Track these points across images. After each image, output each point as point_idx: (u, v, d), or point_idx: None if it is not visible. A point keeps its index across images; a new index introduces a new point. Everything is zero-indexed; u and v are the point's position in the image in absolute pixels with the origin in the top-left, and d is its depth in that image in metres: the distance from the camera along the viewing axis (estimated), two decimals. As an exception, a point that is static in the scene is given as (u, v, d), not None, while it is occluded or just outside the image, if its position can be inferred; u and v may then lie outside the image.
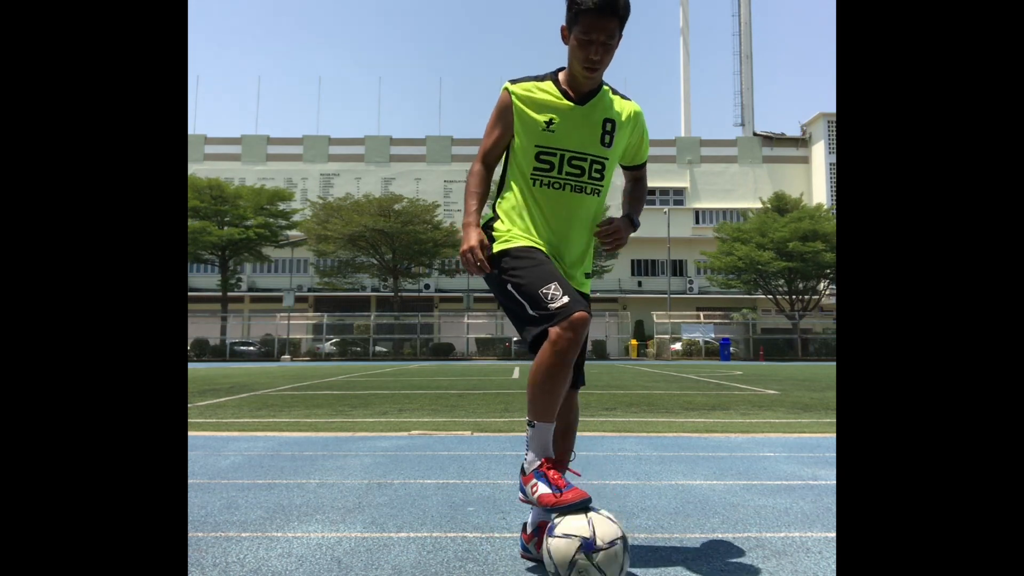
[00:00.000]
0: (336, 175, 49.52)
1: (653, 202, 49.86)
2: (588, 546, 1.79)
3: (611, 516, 1.89)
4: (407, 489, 3.23)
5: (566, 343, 1.96)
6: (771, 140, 51.71)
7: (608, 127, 2.17)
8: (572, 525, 1.83)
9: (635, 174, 2.38)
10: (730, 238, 39.09)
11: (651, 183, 49.78)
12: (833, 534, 2.44)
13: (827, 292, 39.72)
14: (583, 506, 1.89)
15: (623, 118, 2.20)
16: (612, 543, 1.81)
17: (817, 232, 36.27)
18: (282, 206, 40.21)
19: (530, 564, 2.13)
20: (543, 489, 1.94)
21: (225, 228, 37.55)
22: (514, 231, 2.17)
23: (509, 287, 2.11)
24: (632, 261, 48.98)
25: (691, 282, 48.19)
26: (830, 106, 48.91)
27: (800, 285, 39.00)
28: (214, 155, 49.28)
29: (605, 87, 2.21)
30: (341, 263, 40.48)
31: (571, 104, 2.14)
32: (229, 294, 40.10)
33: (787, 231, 36.64)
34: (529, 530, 2.17)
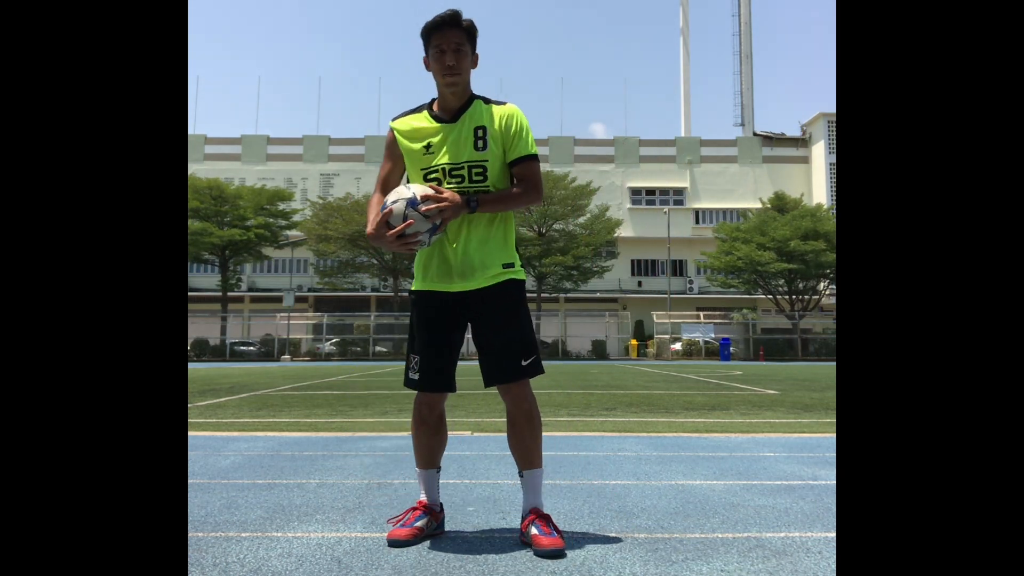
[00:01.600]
0: (336, 175, 49.51)
1: (653, 202, 49.86)
2: (412, 203, 2.24)
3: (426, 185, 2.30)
4: (407, 489, 3.23)
5: (414, 411, 2.49)
6: (771, 140, 51.71)
7: (480, 133, 2.35)
8: (398, 191, 2.29)
9: (517, 170, 2.39)
10: (730, 238, 39.08)
11: (651, 183, 49.88)
12: (833, 534, 2.44)
13: (827, 292, 39.71)
14: (393, 544, 2.32)
15: (494, 121, 2.37)
16: (426, 199, 2.23)
17: (818, 231, 36.26)
18: (282, 206, 40.20)
19: (530, 564, 2.14)
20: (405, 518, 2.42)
21: (225, 229, 37.54)
22: (418, 264, 2.48)
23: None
24: (632, 261, 48.97)
25: (691, 282, 48.18)
26: (830, 106, 48.91)
27: (800, 285, 38.99)
28: (214, 155, 49.28)
29: (478, 99, 2.41)
30: (341, 263, 40.48)
31: (441, 124, 2.37)
32: (229, 294, 40.09)
33: (788, 229, 36.61)
34: (523, 519, 2.37)
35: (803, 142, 51.32)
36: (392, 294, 40.75)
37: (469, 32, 2.34)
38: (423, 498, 2.47)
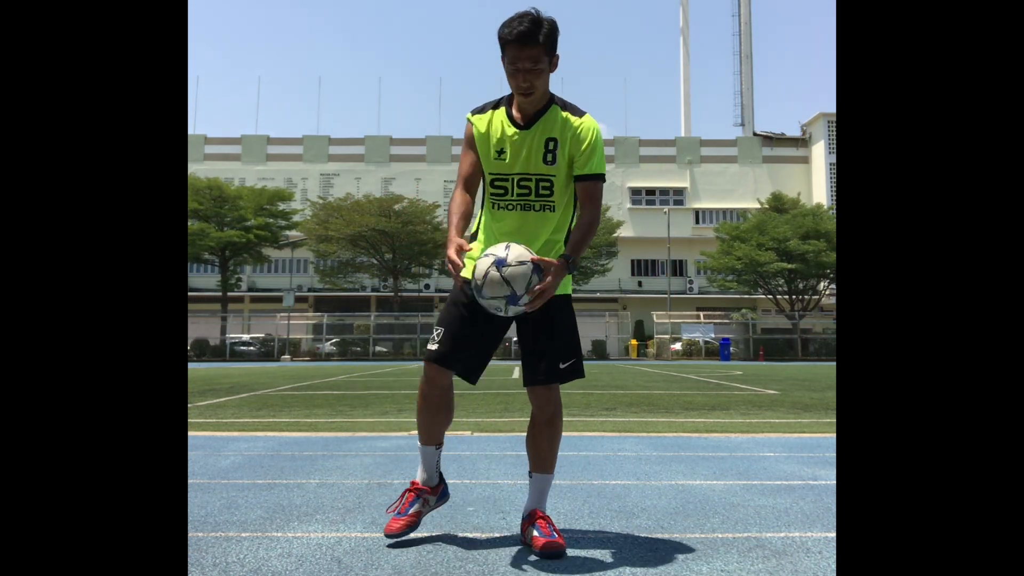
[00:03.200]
0: (336, 175, 49.50)
1: (653, 202, 49.86)
2: (499, 263, 2.12)
3: (528, 248, 2.18)
4: (407, 489, 3.23)
5: (422, 381, 2.43)
6: (771, 140, 51.70)
7: (551, 146, 2.30)
8: (492, 249, 2.17)
9: (581, 187, 2.31)
10: (730, 237, 39.07)
11: (651, 183, 49.87)
12: (833, 534, 2.44)
13: (827, 292, 39.70)
14: (390, 537, 2.34)
15: (566, 134, 2.29)
16: (522, 263, 2.12)
17: (819, 231, 36.23)
18: (282, 206, 40.19)
19: (530, 564, 2.14)
20: (399, 505, 2.41)
21: (225, 229, 37.53)
22: (474, 258, 2.37)
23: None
24: (632, 261, 48.96)
25: (691, 282, 48.17)
26: (830, 106, 48.90)
27: (800, 285, 38.98)
28: (214, 155, 49.27)
29: (555, 105, 2.32)
30: (341, 263, 40.48)
31: (516, 130, 2.30)
32: (229, 294, 40.09)
33: (788, 228, 36.59)
34: (523, 518, 2.36)
35: (803, 142, 51.31)
36: (392, 294, 40.76)
37: (547, 43, 2.19)
38: (417, 477, 2.47)
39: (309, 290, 45.17)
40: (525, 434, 2.46)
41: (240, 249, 38.29)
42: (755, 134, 52.62)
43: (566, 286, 2.37)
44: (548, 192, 2.31)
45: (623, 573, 2.05)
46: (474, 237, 2.45)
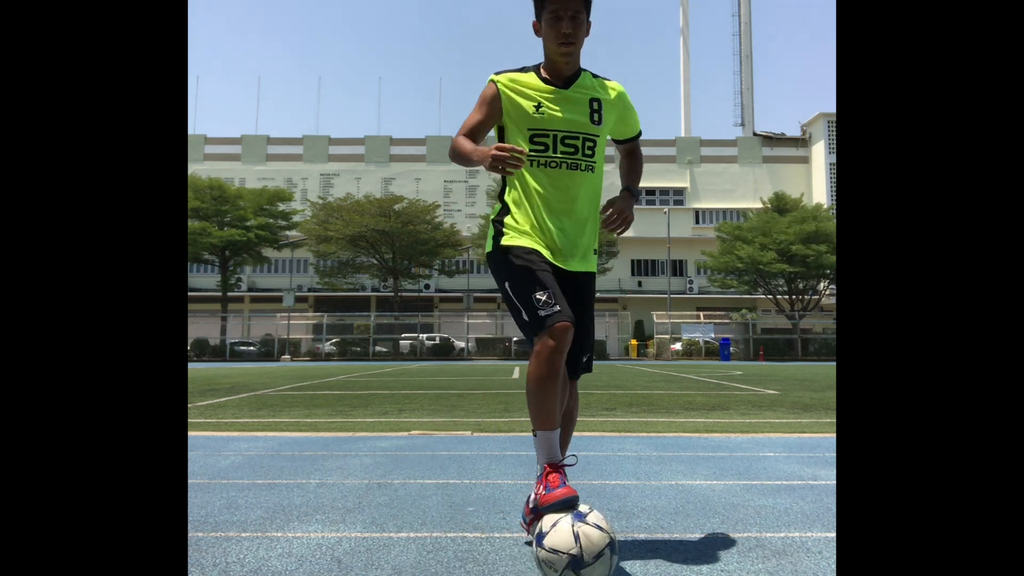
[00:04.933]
0: (336, 175, 49.52)
1: (653, 202, 49.87)
2: (575, 564, 1.81)
3: (600, 522, 1.88)
4: (407, 489, 3.23)
5: (548, 352, 2.03)
6: (771, 140, 51.71)
7: (595, 106, 2.27)
8: (560, 540, 1.84)
9: (628, 147, 2.46)
10: (731, 237, 39.06)
11: (651, 183, 49.88)
12: (833, 534, 2.44)
13: (827, 292, 39.70)
14: (570, 503, 1.91)
15: (611, 97, 2.30)
16: (600, 554, 1.82)
17: (819, 234, 36.21)
18: (282, 206, 40.20)
19: (530, 564, 2.13)
20: (542, 491, 1.98)
21: (225, 229, 37.54)
22: (520, 228, 2.22)
23: (508, 288, 2.20)
24: (632, 261, 48.98)
25: (691, 282, 48.18)
26: (830, 106, 48.90)
27: (800, 285, 38.98)
28: (214, 155, 49.28)
29: (585, 71, 2.30)
30: (341, 263, 40.49)
31: (555, 88, 2.24)
32: (229, 294, 40.09)
33: (791, 232, 36.57)
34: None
35: (803, 142, 51.32)
36: (392, 294, 40.76)
37: (587, 2, 2.19)
38: (557, 459, 2.05)
39: (309, 290, 45.17)
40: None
41: (240, 249, 38.30)
42: (755, 134, 52.62)
43: (593, 264, 2.36)
44: (591, 152, 2.25)
45: (623, 573, 2.04)
46: (504, 212, 2.27)
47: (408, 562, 2.14)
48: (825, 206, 40.97)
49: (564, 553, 1.83)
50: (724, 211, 49.89)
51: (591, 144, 2.25)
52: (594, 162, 2.27)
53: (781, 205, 40.94)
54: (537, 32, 2.25)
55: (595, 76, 2.32)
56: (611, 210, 2.32)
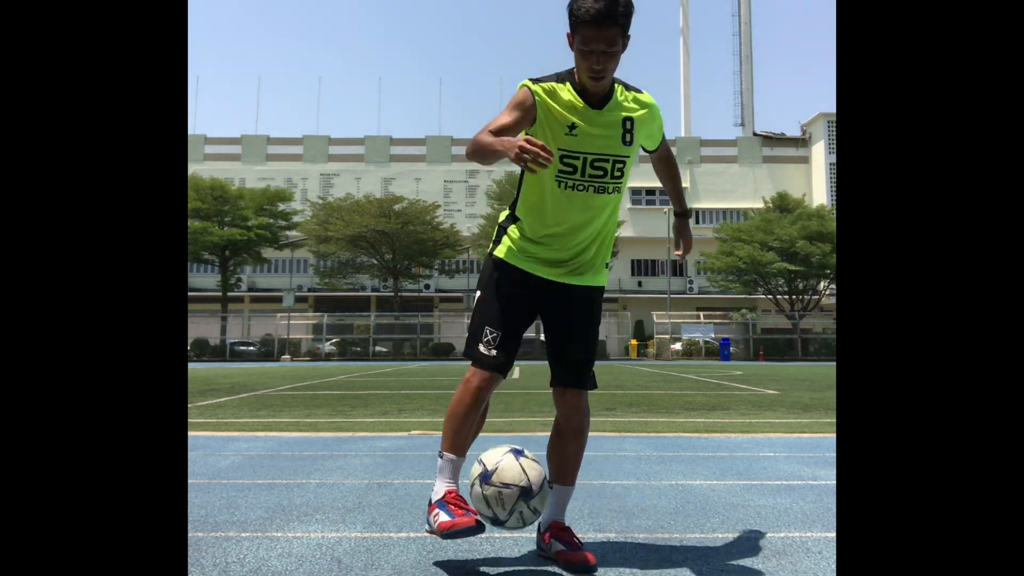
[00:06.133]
0: (336, 175, 49.51)
1: (653, 202, 49.85)
2: (526, 495, 2.03)
3: (534, 457, 2.12)
4: (407, 489, 3.23)
5: (472, 387, 2.14)
6: (771, 140, 51.70)
7: (628, 125, 2.16)
8: (510, 475, 2.04)
9: (659, 153, 2.42)
10: (731, 238, 39.06)
11: (651, 183, 49.81)
12: (833, 534, 2.44)
13: (827, 292, 39.69)
14: (473, 531, 1.98)
15: (642, 115, 2.19)
16: (542, 485, 2.07)
17: (823, 233, 36.19)
18: (282, 206, 40.20)
19: (530, 564, 2.13)
20: (443, 517, 2.00)
21: (225, 228, 37.55)
22: (520, 244, 2.23)
23: (476, 299, 2.29)
24: (632, 261, 48.98)
25: (691, 282, 48.17)
26: (830, 106, 48.89)
27: (800, 285, 38.97)
28: (214, 155, 49.27)
29: (617, 85, 2.18)
30: (341, 263, 40.48)
31: (590, 108, 2.13)
32: (229, 294, 40.09)
33: (794, 230, 36.55)
34: (542, 530, 2.21)
35: (803, 142, 51.32)
36: (392, 294, 40.76)
37: (625, 21, 2.01)
38: (451, 488, 2.09)
39: (309, 290, 45.16)
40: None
41: (240, 249, 38.31)
42: (755, 134, 52.62)
43: (603, 277, 2.33)
44: (620, 173, 2.18)
45: (623, 573, 2.04)
46: (511, 220, 2.28)
47: (408, 562, 2.14)
48: (827, 206, 40.94)
49: (515, 486, 2.01)
50: (724, 211, 49.88)
51: (620, 165, 2.17)
52: (620, 183, 2.20)
53: (784, 205, 40.94)
54: (571, 45, 2.10)
55: (628, 88, 2.21)
56: (682, 246, 2.54)
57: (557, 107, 2.12)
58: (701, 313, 41.68)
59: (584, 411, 2.25)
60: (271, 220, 39.33)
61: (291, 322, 37.10)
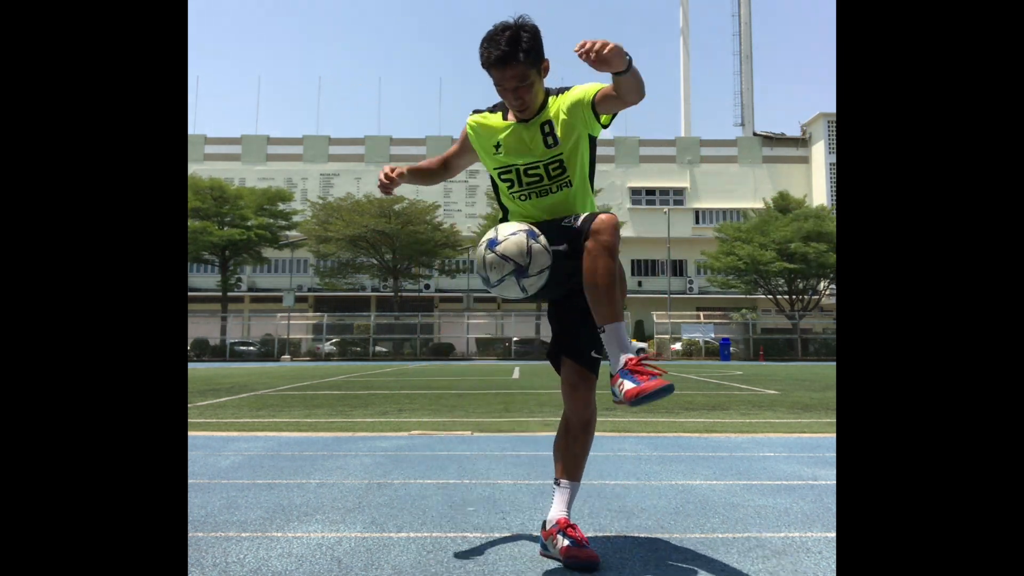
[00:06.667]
0: (336, 175, 49.50)
1: (653, 202, 49.85)
2: (520, 273, 2.10)
3: (547, 245, 2.15)
4: (407, 489, 3.23)
5: (611, 255, 2.08)
6: (771, 140, 51.69)
7: (547, 128, 2.24)
8: (512, 249, 2.11)
9: (602, 94, 2.14)
10: (731, 238, 39.05)
11: (651, 183, 49.89)
12: (833, 534, 2.44)
13: (827, 292, 39.69)
14: (666, 392, 1.90)
15: (555, 110, 2.23)
16: (541, 271, 2.12)
17: (821, 233, 36.19)
18: (282, 206, 40.20)
19: (530, 564, 2.13)
20: (628, 385, 1.94)
21: (225, 228, 37.55)
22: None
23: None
24: (632, 261, 48.94)
25: (691, 282, 48.17)
26: (830, 106, 48.87)
27: (800, 285, 38.97)
28: (214, 155, 49.27)
29: (550, 98, 2.25)
30: (341, 264, 40.48)
31: (514, 123, 2.26)
32: (229, 294, 40.09)
33: (790, 230, 36.58)
34: (548, 527, 2.19)
35: (803, 142, 51.30)
36: (392, 294, 40.76)
37: (530, 56, 2.09)
38: (631, 350, 2.07)
39: (309, 290, 45.16)
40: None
41: (240, 249, 38.31)
42: (755, 134, 52.61)
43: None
44: (560, 171, 2.25)
45: (623, 573, 2.05)
46: (503, 219, 2.42)
47: (408, 562, 2.14)
48: (827, 206, 40.93)
49: (512, 261, 2.11)
50: (724, 211, 49.87)
51: (555, 165, 2.24)
52: (566, 178, 2.26)
53: (784, 205, 40.93)
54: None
55: (557, 94, 2.25)
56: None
57: (485, 134, 2.32)
58: (701, 313, 41.68)
59: (591, 406, 2.27)
60: (271, 220, 39.32)
61: (291, 322, 37.09)
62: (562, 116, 2.23)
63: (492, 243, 2.15)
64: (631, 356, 2.01)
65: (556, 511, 2.20)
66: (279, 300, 39.00)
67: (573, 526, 2.16)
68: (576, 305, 2.22)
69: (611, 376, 2.05)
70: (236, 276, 42.64)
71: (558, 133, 2.23)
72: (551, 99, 2.26)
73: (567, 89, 2.27)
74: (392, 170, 2.35)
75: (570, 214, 2.25)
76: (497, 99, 2.32)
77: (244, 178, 47.37)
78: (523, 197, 2.30)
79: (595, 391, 2.26)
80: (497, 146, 2.29)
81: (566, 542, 2.10)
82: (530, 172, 2.26)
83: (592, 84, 2.22)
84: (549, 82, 2.28)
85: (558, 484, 2.25)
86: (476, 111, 2.39)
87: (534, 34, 2.11)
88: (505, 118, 2.30)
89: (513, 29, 2.09)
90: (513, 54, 2.06)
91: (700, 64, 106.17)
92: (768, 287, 39.27)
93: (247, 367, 24.10)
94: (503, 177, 2.32)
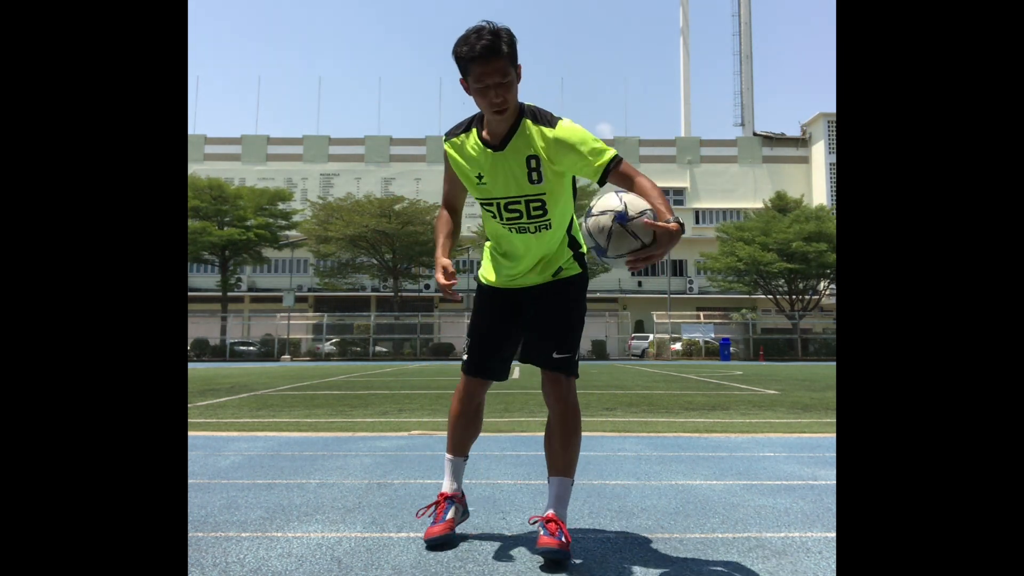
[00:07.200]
0: (336, 175, 49.51)
1: (653, 202, 49.83)
2: (621, 217, 2.04)
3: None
4: (407, 489, 3.23)
5: (457, 392, 2.50)
6: (771, 140, 51.70)
7: (533, 164, 2.19)
8: (606, 203, 2.08)
9: (613, 180, 2.15)
10: (732, 238, 39.04)
11: (651, 183, 49.82)
12: (833, 534, 2.44)
13: (827, 292, 39.69)
14: (438, 544, 2.30)
15: (545, 150, 2.16)
16: (643, 212, 2.04)
17: (822, 233, 36.20)
18: (282, 206, 40.20)
19: (530, 564, 2.13)
20: (428, 522, 2.39)
21: (225, 228, 37.55)
22: (486, 262, 2.53)
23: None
24: (632, 261, 48.91)
25: (691, 282, 48.18)
26: (830, 106, 48.88)
27: (800, 285, 38.97)
28: (214, 155, 49.28)
29: (525, 120, 2.18)
30: (341, 264, 40.48)
31: (491, 152, 2.21)
32: (229, 294, 40.09)
33: (791, 232, 36.58)
34: (532, 519, 2.35)
35: (803, 142, 51.31)
36: (392, 294, 40.76)
37: (511, 53, 2.09)
38: (445, 489, 2.46)
39: (309, 290, 45.17)
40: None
41: (240, 249, 38.31)
42: (755, 134, 52.61)
43: (574, 269, 2.42)
44: (541, 211, 2.24)
45: (623, 573, 2.05)
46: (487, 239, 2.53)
47: (408, 562, 2.14)
48: (827, 206, 40.91)
49: (610, 211, 2.06)
50: (724, 211, 49.89)
51: (537, 204, 2.23)
52: (546, 220, 2.27)
53: (782, 205, 40.93)
54: (467, 90, 2.15)
55: (536, 122, 2.17)
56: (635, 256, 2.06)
57: (464, 162, 2.29)
58: (701, 313, 41.68)
59: (567, 400, 2.29)
60: (271, 220, 39.32)
61: (291, 322, 37.10)
62: (554, 162, 2.17)
63: (622, 217, 2.04)
64: (442, 492, 2.45)
65: (546, 506, 2.25)
66: (279, 300, 39.00)
67: (554, 520, 2.16)
68: (537, 314, 2.37)
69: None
70: (236, 276, 42.63)
71: (544, 172, 2.19)
72: (530, 126, 2.17)
73: (552, 125, 2.16)
74: (445, 272, 2.28)
75: (546, 251, 2.34)
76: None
77: (244, 178, 47.37)
78: (503, 228, 2.35)
79: (567, 387, 2.30)
80: (480, 177, 2.27)
81: (541, 532, 2.16)
82: (511, 207, 2.27)
83: (603, 154, 2.12)
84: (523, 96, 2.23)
85: (548, 482, 2.31)
86: (448, 135, 2.32)
87: (512, 36, 2.12)
88: (480, 135, 2.23)
89: (492, 27, 2.08)
90: (497, 47, 2.05)
91: (700, 64, 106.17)
92: (768, 287, 39.27)
93: (247, 367, 24.10)
94: (485, 208, 2.34)
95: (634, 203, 2.05)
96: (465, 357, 2.48)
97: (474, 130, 2.26)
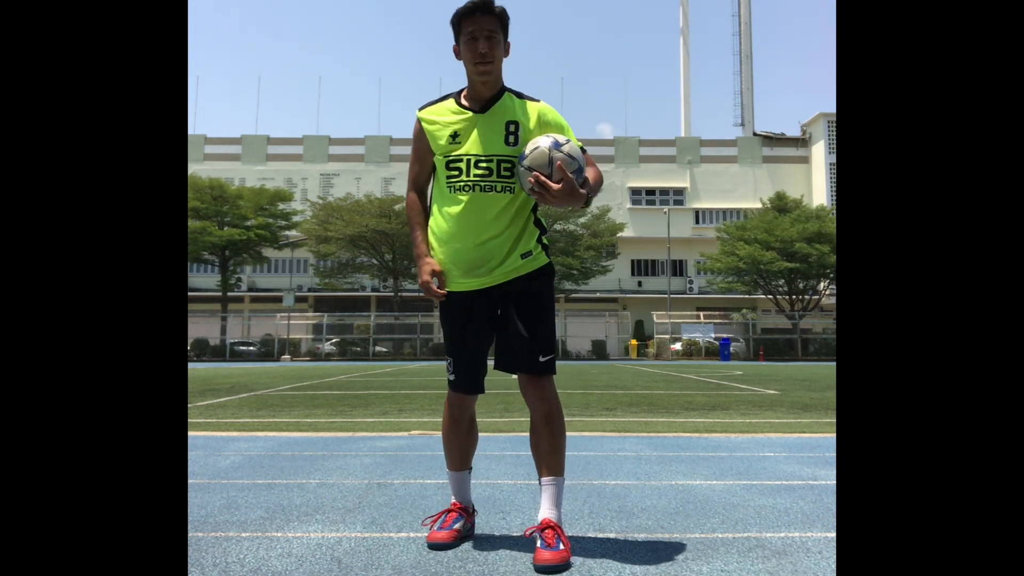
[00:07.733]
0: (336, 175, 49.50)
1: (653, 202, 49.86)
2: (556, 145, 2.16)
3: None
4: (407, 489, 3.23)
5: (446, 410, 2.48)
6: (771, 140, 51.69)
7: (512, 128, 2.29)
8: (535, 142, 2.19)
9: None
10: (732, 238, 39.03)
11: (651, 183, 49.87)
12: (833, 534, 2.44)
13: (827, 292, 39.69)
14: (441, 547, 2.28)
15: (529, 118, 2.30)
16: (572, 159, 2.16)
17: (823, 234, 36.19)
18: (282, 206, 40.20)
19: (531, 564, 2.13)
20: (433, 528, 2.38)
21: (225, 228, 37.56)
22: (446, 270, 2.36)
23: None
24: (632, 261, 48.95)
25: (691, 282, 48.17)
26: (830, 106, 48.89)
27: (800, 285, 38.97)
28: (214, 155, 49.27)
29: (508, 92, 2.34)
30: (341, 264, 40.48)
31: (471, 114, 2.30)
32: (229, 294, 40.09)
33: (793, 231, 36.57)
34: (528, 528, 2.26)
35: (803, 142, 51.30)
36: (392, 294, 40.75)
37: (501, 19, 2.26)
38: (456, 500, 2.44)
39: (309, 290, 45.16)
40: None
41: (240, 249, 38.31)
42: (755, 134, 52.61)
43: (523, 267, 2.32)
44: (510, 174, 2.27)
45: (623, 573, 2.05)
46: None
47: (408, 562, 2.14)
48: (827, 206, 40.92)
49: (540, 145, 2.16)
50: (724, 211, 49.88)
51: (508, 166, 2.26)
52: (512, 183, 2.27)
53: (782, 205, 40.92)
54: (458, 56, 2.31)
55: (520, 96, 2.34)
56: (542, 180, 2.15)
57: (438, 123, 2.33)
58: (701, 313, 41.68)
59: (547, 400, 2.29)
60: (271, 220, 39.32)
61: (291, 322, 37.10)
62: (531, 128, 2.29)
63: (556, 144, 2.16)
64: (454, 503, 2.44)
65: (540, 512, 2.22)
66: (279, 300, 38.98)
67: (552, 527, 2.14)
68: (507, 316, 2.32)
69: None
70: (236, 276, 42.63)
71: (522, 137, 2.28)
72: (513, 98, 2.33)
73: (536, 100, 2.34)
74: (431, 273, 2.33)
75: (493, 220, 2.26)
76: (412, 103, 2.37)
77: (244, 178, 47.37)
78: (466, 189, 2.26)
79: (548, 386, 2.30)
80: (455, 135, 2.30)
81: (538, 543, 2.13)
82: (480, 164, 2.27)
83: (570, 133, 2.32)
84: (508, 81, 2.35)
85: (540, 484, 2.27)
86: (422, 107, 2.41)
87: (504, 9, 2.28)
88: (459, 102, 2.33)
89: None
90: (488, 6, 2.23)
91: (700, 64, 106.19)
92: (768, 287, 39.26)
93: (247, 367, 24.10)
94: (451, 166, 2.29)
95: (571, 148, 2.18)
96: (452, 377, 2.42)
97: (451, 99, 2.36)
